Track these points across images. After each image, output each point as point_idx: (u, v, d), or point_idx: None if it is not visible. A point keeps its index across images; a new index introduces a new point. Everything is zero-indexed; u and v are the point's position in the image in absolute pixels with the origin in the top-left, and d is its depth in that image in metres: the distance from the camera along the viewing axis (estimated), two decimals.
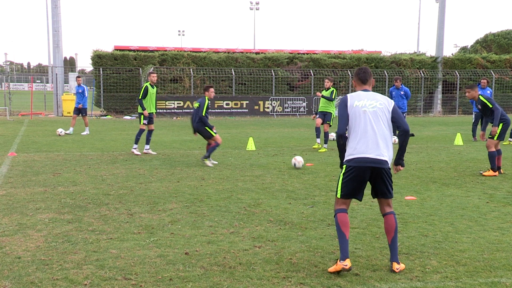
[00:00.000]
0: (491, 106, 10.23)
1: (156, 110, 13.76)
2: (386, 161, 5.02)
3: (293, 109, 31.18)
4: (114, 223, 6.63)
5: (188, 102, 29.68)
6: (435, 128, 22.66)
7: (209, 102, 11.76)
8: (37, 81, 66.10)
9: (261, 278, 4.80)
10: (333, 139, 16.66)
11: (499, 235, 6.19)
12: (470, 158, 12.96)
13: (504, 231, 6.39)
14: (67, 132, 18.72)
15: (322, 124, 14.63)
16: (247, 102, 30.48)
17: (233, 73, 31.28)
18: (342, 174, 5.10)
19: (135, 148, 13.29)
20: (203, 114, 11.52)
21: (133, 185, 9.16)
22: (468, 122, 21.93)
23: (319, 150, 14.30)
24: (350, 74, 32.54)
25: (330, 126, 14.60)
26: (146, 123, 13.29)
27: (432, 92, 34.53)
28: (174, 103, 29.53)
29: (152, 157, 12.86)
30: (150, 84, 13.31)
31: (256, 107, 30.61)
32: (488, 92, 17.58)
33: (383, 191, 5.11)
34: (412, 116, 32.22)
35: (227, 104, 30.22)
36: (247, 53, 34.81)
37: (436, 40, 35.25)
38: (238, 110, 30.24)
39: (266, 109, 30.79)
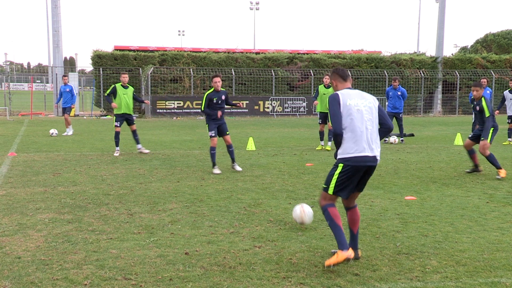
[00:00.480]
0: (488, 115, 9.99)
1: (133, 112, 13.52)
2: (378, 159, 5.18)
3: (293, 109, 31.18)
4: (114, 223, 6.63)
5: (188, 102, 29.68)
6: (435, 128, 22.66)
7: (214, 94, 10.73)
8: (37, 81, 66.10)
9: (261, 278, 4.80)
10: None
11: (499, 235, 6.19)
12: (495, 159, 12.94)
13: (504, 231, 6.38)
14: (69, 133, 18.68)
15: (325, 125, 14.64)
16: (247, 102, 30.49)
17: (233, 73, 31.28)
18: (338, 172, 5.09)
19: (117, 151, 13.15)
20: (202, 109, 11.01)
21: (133, 185, 9.16)
22: (468, 122, 21.93)
23: (326, 148, 14.53)
24: (350, 74, 32.52)
25: None
26: (118, 125, 13.20)
27: (432, 92, 34.54)
28: (174, 103, 29.53)
29: (152, 157, 12.86)
30: (121, 84, 13.30)
31: (256, 107, 30.61)
32: (488, 92, 17.56)
33: (363, 187, 5.34)
34: (412, 116, 32.23)
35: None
36: (247, 53, 34.83)
37: (436, 40, 35.28)
38: (238, 110, 30.24)
39: (266, 109, 30.80)
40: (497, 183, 9.57)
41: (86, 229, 6.38)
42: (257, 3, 70.76)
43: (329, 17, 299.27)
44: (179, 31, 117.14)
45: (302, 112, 31.17)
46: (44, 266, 5.06)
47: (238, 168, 10.82)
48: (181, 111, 29.51)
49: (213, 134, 10.95)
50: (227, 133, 11.09)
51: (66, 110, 19.38)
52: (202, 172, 10.56)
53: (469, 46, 61.29)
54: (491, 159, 10.16)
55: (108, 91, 13.44)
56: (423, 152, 14.20)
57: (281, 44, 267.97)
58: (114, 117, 13.36)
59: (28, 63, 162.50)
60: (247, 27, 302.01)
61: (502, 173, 10.07)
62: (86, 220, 6.80)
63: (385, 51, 58.48)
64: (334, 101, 5.13)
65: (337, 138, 5.11)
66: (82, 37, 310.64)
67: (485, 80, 17.69)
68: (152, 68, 30.01)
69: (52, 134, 18.17)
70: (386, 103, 17.19)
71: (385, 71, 32.99)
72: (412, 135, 19.10)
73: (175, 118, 28.83)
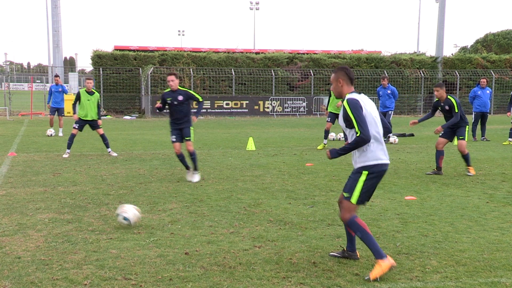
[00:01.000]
0: (457, 111, 10.37)
1: (99, 117, 13.24)
2: None
3: (293, 109, 31.19)
4: (114, 223, 6.63)
5: None
6: (435, 128, 22.63)
7: (169, 94, 9.79)
8: (37, 81, 66.07)
9: (261, 278, 4.80)
10: (338, 139, 16.72)
11: (499, 235, 6.19)
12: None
13: (504, 231, 6.38)
14: (59, 134, 18.47)
15: (332, 124, 14.70)
16: (247, 102, 30.50)
17: (233, 73, 31.28)
18: (363, 180, 4.92)
19: (67, 153, 12.88)
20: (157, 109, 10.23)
21: (133, 185, 9.16)
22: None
23: (318, 147, 14.65)
24: None
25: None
26: (77, 127, 13.09)
27: (432, 92, 34.51)
28: None
29: (152, 157, 12.86)
30: (85, 90, 13.21)
31: (256, 107, 30.62)
32: (488, 92, 17.57)
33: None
34: (412, 116, 32.23)
35: (227, 104, 30.23)
36: (247, 53, 34.84)
37: (436, 40, 35.31)
38: (238, 110, 30.25)
39: (266, 109, 30.80)
40: (497, 183, 9.57)
41: (86, 229, 6.38)
42: (257, 3, 70.77)
43: (329, 17, 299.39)
44: (179, 31, 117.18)
45: (302, 112, 31.17)
46: (44, 266, 5.06)
47: (195, 178, 9.58)
48: None
49: (174, 139, 9.70)
50: (187, 138, 9.71)
51: (59, 111, 18.91)
52: (202, 172, 10.56)
53: (469, 46, 61.31)
54: (467, 157, 10.59)
55: (74, 99, 13.43)
56: (423, 152, 14.21)
57: (281, 44, 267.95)
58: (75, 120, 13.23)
59: (28, 63, 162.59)
60: (247, 27, 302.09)
61: (472, 170, 10.55)
62: (86, 220, 6.80)
63: (385, 51, 58.50)
64: (358, 106, 4.91)
65: (363, 144, 4.85)
66: (82, 37, 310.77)
67: (484, 80, 17.70)
68: (152, 68, 30.02)
69: (51, 134, 18.14)
70: (379, 103, 17.17)
71: (385, 71, 32.97)
72: (412, 135, 19.11)
73: None
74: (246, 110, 30.39)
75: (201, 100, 10.22)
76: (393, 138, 16.43)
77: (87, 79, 13.61)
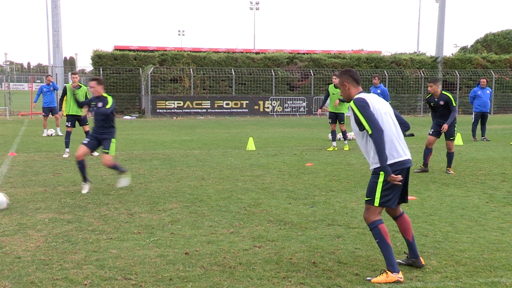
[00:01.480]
0: (455, 105, 10.50)
1: (81, 113, 13.19)
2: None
3: (293, 109, 31.19)
4: (114, 223, 6.63)
5: (188, 102, 29.70)
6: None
7: (93, 99, 9.06)
8: (37, 81, 66.11)
9: (261, 278, 4.80)
10: (342, 139, 16.64)
11: (499, 235, 6.19)
12: (470, 158, 12.96)
13: (504, 231, 6.39)
14: (43, 135, 18.21)
15: (335, 124, 14.65)
16: (247, 102, 30.50)
17: (233, 73, 31.28)
18: (381, 180, 4.78)
19: (66, 152, 12.93)
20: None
21: (133, 185, 9.16)
22: (468, 122, 21.92)
23: (345, 149, 14.39)
24: None
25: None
26: (69, 125, 13.14)
27: None
28: (174, 103, 29.54)
29: (152, 157, 12.86)
30: (71, 84, 13.18)
31: (256, 107, 30.62)
32: (488, 92, 17.57)
33: (407, 190, 5.10)
34: (412, 116, 32.21)
35: (227, 104, 30.23)
36: (247, 53, 34.84)
37: (436, 40, 35.29)
38: (238, 110, 30.25)
39: (266, 109, 30.80)
40: (497, 183, 9.57)
41: (86, 229, 6.38)
42: (257, 3, 70.77)
43: (329, 17, 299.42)
44: (179, 31, 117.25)
45: (302, 112, 31.17)
46: (44, 266, 5.06)
47: (121, 183, 8.87)
48: (181, 111, 29.51)
49: (84, 142, 8.88)
50: (105, 151, 8.76)
51: (53, 111, 18.63)
52: (202, 172, 10.56)
53: (469, 46, 61.29)
54: (451, 156, 10.77)
55: (61, 95, 13.57)
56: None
57: (281, 44, 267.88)
58: (66, 118, 13.34)
59: (28, 63, 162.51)
60: (247, 27, 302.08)
61: (452, 170, 10.73)
62: (86, 220, 6.80)
63: (385, 51, 58.60)
64: (364, 104, 4.80)
65: (381, 138, 4.69)
66: (82, 37, 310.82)
67: (484, 80, 17.70)
68: (152, 68, 30.02)
69: (51, 134, 18.14)
70: None
71: (385, 71, 32.98)
72: (412, 135, 19.05)
73: (175, 118, 28.83)
74: (246, 110, 30.40)
75: (108, 107, 8.76)
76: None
77: (72, 74, 13.51)
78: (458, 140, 16.27)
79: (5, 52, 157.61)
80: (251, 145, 14.63)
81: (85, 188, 8.60)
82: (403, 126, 5.19)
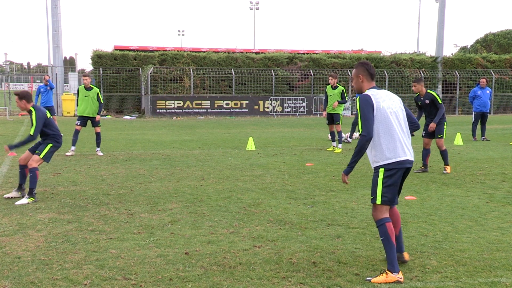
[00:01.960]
0: (440, 102, 10.55)
1: (98, 113, 13.32)
2: (413, 160, 5.05)
3: (293, 109, 31.20)
4: (114, 223, 6.63)
5: (188, 102, 29.70)
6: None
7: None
8: (37, 81, 66.03)
9: (261, 278, 4.80)
10: (349, 140, 16.59)
11: (499, 235, 6.19)
12: (470, 158, 12.97)
13: (504, 231, 6.39)
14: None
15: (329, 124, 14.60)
16: (247, 102, 30.51)
17: (233, 73, 31.28)
18: (381, 177, 4.85)
19: (71, 150, 13.05)
20: None
21: (133, 185, 9.16)
22: (468, 122, 21.93)
23: (335, 151, 14.07)
24: (350, 74, 32.55)
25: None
26: (79, 123, 13.29)
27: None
28: (174, 103, 29.55)
29: (152, 157, 12.87)
30: (84, 86, 13.38)
31: (256, 107, 30.63)
32: (488, 92, 17.56)
33: (400, 189, 5.16)
34: None
35: (227, 104, 30.23)
36: (247, 53, 34.84)
37: (436, 40, 35.28)
38: (238, 110, 30.26)
39: (266, 109, 30.81)
40: (497, 183, 9.57)
41: (86, 229, 6.38)
42: (257, 3, 70.74)
43: (329, 17, 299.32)
44: (179, 31, 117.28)
45: (302, 112, 31.17)
46: (44, 266, 5.06)
47: (20, 201, 7.78)
48: (181, 111, 29.52)
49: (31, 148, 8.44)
50: (37, 151, 8.19)
51: (51, 111, 18.36)
52: (202, 172, 10.56)
53: (469, 46, 61.28)
54: (445, 154, 10.76)
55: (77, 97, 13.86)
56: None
57: (281, 44, 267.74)
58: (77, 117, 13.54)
59: (28, 63, 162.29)
60: (247, 27, 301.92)
61: (448, 169, 10.65)
62: (86, 220, 6.80)
63: (385, 51, 58.52)
64: (367, 103, 4.83)
65: (366, 143, 4.81)
66: (82, 37, 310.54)
67: (484, 80, 17.69)
68: (152, 68, 30.02)
69: None
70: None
71: (385, 71, 32.98)
72: (412, 135, 19.08)
73: (175, 118, 28.83)
74: (246, 110, 30.40)
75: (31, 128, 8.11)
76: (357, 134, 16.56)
77: (83, 76, 13.73)
78: (458, 140, 16.28)
79: (5, 52, 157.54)
80: (251, 145, 14.63)
81: (14, 193, 8.10)
82: (412, 125, 5.24)
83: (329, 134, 14.99)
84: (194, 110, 29.61)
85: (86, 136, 18.19)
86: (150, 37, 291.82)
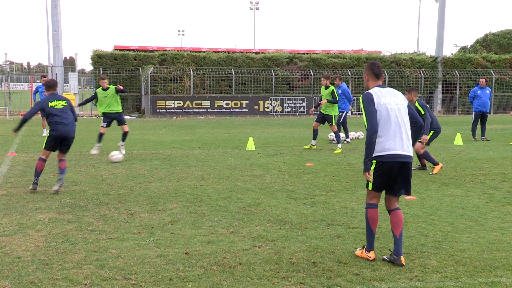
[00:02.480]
0: (423, 113, 10.41)
1: (120, 108, 13.68)
2: (411, 156, 5.30)
3: (293, 109, 31.19)
4: (114, 223, 6.63)
5: (188, 102, 29.69)
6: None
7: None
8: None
9: (261, 278, 4.80)
10: (348, 140, 16.50)
11: (499, 235, 6.20)
12: (470, 158, 12.97)
13: (504, 231, 6.39)
14: (43, 135, 18.11)
15: (319, 124, 14.51)
16: (247, 102, 30.50)
17: (233, 73, 31.28)
18: (373, 168, 5.23)
19: (97, 146, 13.31)
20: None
21: (133, 185, 9.16)
22: (468, 122, 21.93)
23: (335, 151, 13.92)
24: (350, 74, 32.55)
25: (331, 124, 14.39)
26: (105, 125, 13.42)
27: (432, 92, 34.54)
28: (174, 103, 29.53)
29: (152, 157, 12.87)
30: (101, 88, 13.69)
31: (256, 107, 30.62)
32: (488, 92, 17.55)
33: (409, 186, 5.37)
34: None
35: (227, 104, 30.23)
36: (247, 53, 34.83)
37: (436, 40, 35.26)
38: (238, 110, 30.25)
39: (266, 109, 30.80)
40: (497, 183, 9.58)
41: (86, 229, 6.38)
42: (257, 3, 70.72)
43: (329, 17, 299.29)
44: (179, 31, 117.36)
45: (302, 112, 31.16)
46: (44, 266, 5.06)
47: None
48: (181, 111, 29.51)
49: None
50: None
51: None
52: (202, 172, 10.56)
53: (469, 46, 61.26)
54: (425, 156, 10.66)
55: (87, 99, 14.33)
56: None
57: (281, 44, 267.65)
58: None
59: (28, 63, 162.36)
60: (247, 27, 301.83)
61: (437, 169, 10.50)
62: (86, 220, 6.80)
63: (385, 51, 58.53)
64: (369, 99, 5.20)
65: (372, 136, 5.13)
66: (82, 37, 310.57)
67: (484, 80, 17.69)
68: (152, 68, 30.02)
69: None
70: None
71: (385, 71, 32.98)
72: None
73: (175, 118, 28.83)
74: (246, 110, 30.39)
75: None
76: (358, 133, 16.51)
77: (101, 79, 13.94)
78: (458, 140, 16.28)
79: (5, 52, 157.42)
80: (251, 145, 14.63)
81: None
82: (415, 125, 5.58)
83: (313, 131, 14.64)
84: (194, 110, 29.60)
85: (86, 136, 18.20)
86: (150, 37, 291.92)
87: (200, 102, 29.86)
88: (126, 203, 7.75)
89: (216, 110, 29.89)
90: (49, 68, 32.17)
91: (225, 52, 34.49)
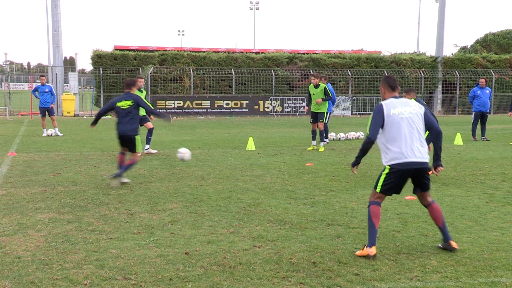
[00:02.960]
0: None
1: (153, 107, 13.61)
2: (427, 162, 5.52)
3: (293, 109, 31.20)
4: (114, 223, 6.63)
5: (188, 102, 29.70)
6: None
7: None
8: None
9: (261, 278, 4.80)
10: (326, 141, 16.44)
11: (499, 235, 6.20)
12: (470, 158, 12.97)
13: (504, 231, 6.39)
14: (43, 135, 18.16)
15: (316, 124, 14.46)
16: (247, 102, 30.50)
17: (233, 73, 31.28)
18: (385, 173, 5.50)
19: (146, 149, 13.47)
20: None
21: (133, 185, 9.16)
22: (468, 122, 21.93)
23: (319, 150, 14.15)
24: (350, 74, 32.56)
25: (321, 122, 14.30)
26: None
27: (432, 92, 34.55)
28: (174, 103, 29.54)
29: (152, 157, 12.87)
30: (137, 89, 13.42)
31: (256, 107, 30.62)
32: (488, 91, 17.55)
33: (425, 186, 5.63)
34: None
35: (227, 104, 30.23)
36: (247, 53, 34.83)
37: (436, 40, 35.26)
38: (238, 110, 30.25)
39: (266, 109, 30.81)
40: (497, 183, 9.57)
41: (86, 229, 6.38)
42: (257, 3, 70.74)
43: (329, 17, 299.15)
44: (179, 31, 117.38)
45: (302, 112, 31.17)
46: (44, 266, 5.07)
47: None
48: (181, 111, 29.51)
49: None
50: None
51: (49, 112, 18.45)
52: (202, 172, 10.56)
53: (469, 46, 61.27)
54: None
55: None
56: None
57: (281, 44, 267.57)
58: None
59: (28, 63, 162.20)
60: (247, 27, 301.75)
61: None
62: (86, 220, 6.80)
63: (385, 51, 58.58)
64: (378, 111, 5.51)
65: (367, 144, 5.52)
66: (82, 37, 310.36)
67: (483, 80, 17.69)
68: (152, 68, 30.02)
69: (51, 134, 18.12)
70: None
71: (385, 71, 32.98)
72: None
73: (175, 118, 28.84)
74: (246, 110, 30.39)
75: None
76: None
77: (139, 78, 13.52)
78: (458, 140, 16.28)
79: (5, 52, 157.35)
80: (251, 145, 14.63)
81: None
82: (432, 131, 5.66)
83: (311, 133, 14.62)
84: (194, 110, 29.60)
85: (86, 136, 18.21)
86: (150, 37, 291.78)
87: (200, 102, 29.86)
88: (126, 203, 7.75)
89: (216, 110, 29.89)
90: (49, 68, 32.16)
91: (225, 52, 34.49)
